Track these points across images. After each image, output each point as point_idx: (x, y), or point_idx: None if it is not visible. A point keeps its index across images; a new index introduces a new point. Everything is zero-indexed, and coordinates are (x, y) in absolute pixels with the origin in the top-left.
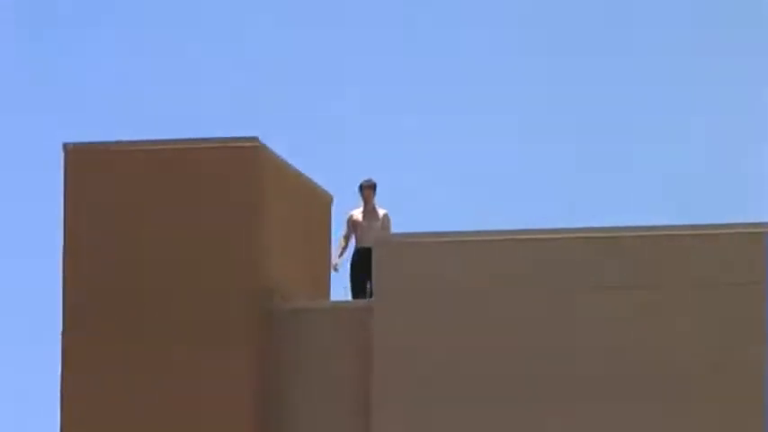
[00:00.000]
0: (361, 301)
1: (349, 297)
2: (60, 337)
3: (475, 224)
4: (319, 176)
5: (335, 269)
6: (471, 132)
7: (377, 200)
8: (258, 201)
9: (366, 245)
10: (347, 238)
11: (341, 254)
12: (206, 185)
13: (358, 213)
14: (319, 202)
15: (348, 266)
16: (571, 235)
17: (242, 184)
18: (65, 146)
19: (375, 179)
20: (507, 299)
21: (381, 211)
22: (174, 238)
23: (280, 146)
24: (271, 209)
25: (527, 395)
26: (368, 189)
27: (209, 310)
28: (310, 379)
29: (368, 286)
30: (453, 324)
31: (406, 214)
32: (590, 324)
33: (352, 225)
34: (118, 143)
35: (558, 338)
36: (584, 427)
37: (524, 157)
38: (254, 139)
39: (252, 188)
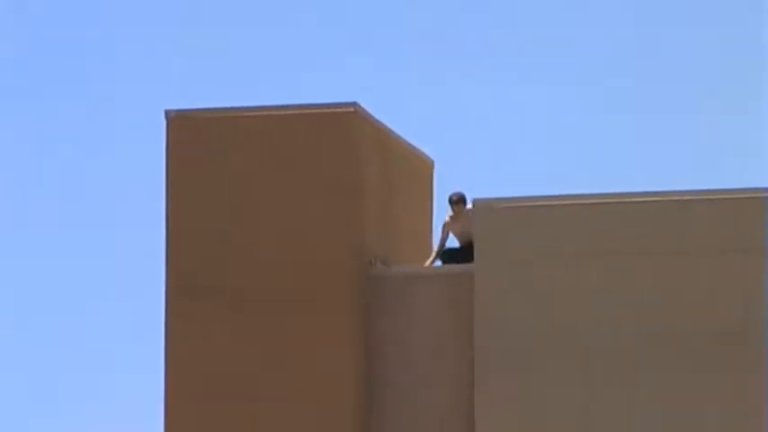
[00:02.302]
0: (462, 266)
1: None
2: (164, 304)
3: (572, 189)
4: (420, 141)
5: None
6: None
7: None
8: (358, 166)
9: (466, 241)
10: (442, 244)
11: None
12: (305, 152)
13: (450, 218)
14: (420, 167)
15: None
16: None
17: (341, 149)
18: (167, 113)
19: (463, 192)
20: (609, 264)
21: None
22: (275, 206)
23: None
24: (371, 175)
25: (625, 363)
26: (457, 204)
27: (311, 278)
28: (412, 345)
29: None
30: (554, 289)
31: (507, 178)
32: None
33: (448, 230)
34: (218, 110)
35: (660, 307)
36: (686, 400)
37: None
38: (354, 104)
39: (351, 154)
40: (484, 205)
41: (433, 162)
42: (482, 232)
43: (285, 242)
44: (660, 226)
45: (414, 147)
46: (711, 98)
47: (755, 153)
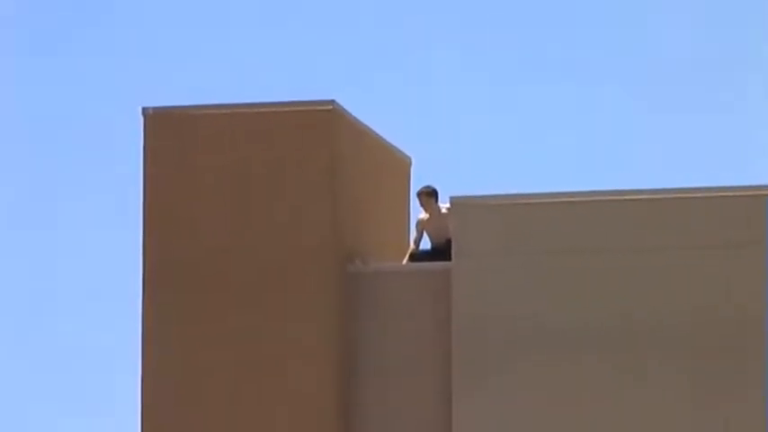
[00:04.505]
0: (440, 264)
1: None
2: (141, 302)
3: (555, 187)
4: (398, 139)
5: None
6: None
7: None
8: (336, 164)
9: (441, 240)
10: (417, 243)
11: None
12: (282, 149)
13: (425, 216)
14: (398, 165)
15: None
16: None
17: (319, 147)
18: (144, 110)
19: (432, 186)
20: (589, 261)
21: (444, 207)
22: (252, 204)
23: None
24: (348, 172)
25: (609, 359)
26: (424, 196)
27: (289, 276)
28: (390, 342)
29: None
30: (533, 286)
31: (485, 176)
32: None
33: (422, 227)
34: (195, 107)
35: (645, 305)
36: (674, 401)
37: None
38: (331, 102)
39: (329, 151)
40: (461, 202)
41: (410, 160)
42: (459, 229)
43: (262, 240)
44: (640, 223)
45: (391, 145)
46: (699, 97)
47: (742, 151)
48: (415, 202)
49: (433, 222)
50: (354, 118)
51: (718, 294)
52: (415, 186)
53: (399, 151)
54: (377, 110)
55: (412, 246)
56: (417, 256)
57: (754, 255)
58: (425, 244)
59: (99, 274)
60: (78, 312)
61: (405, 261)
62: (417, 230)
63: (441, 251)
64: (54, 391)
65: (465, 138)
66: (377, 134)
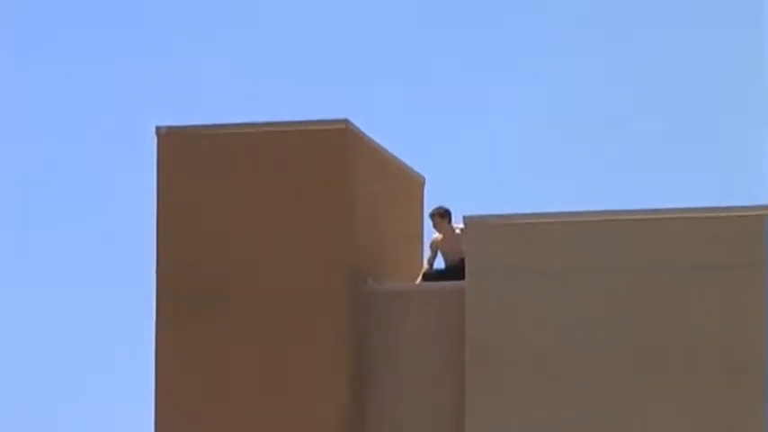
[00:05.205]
0: (453, 283)
1: None
2: (155, 315)
3: (569, 206)
4: (411, 158)
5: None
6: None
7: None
8: (349, 183)
9: (455, 260)
10: (431, 262)
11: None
12: (296, 168)
13: (438, 236)
14: (411, 184)
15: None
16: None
17: (332, 166)
18: (158, 129)
19: (444, 207)
20: (604, 282)
21: (458, 227)
22: (266, 222)
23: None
24: (362, 191)
25: (623, 379)
26: (437, 217)
27: (302, 294)
28: (403, 361)
29: None
30: (547, 306)
31: (499, 195)
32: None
33: (436, 247)
34: (209, 126)
35: (651, 323)
36: (683, 423)
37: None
38: (344, 121)
39: (342, 171)
40: (475, 222)
41: (424, 179)
42: (473, 249)
43: (276, 258)
44: (656, 244)
45: (405, 164)
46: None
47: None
48: (428, 222)
49: (447, 242)
50: (368, 137)
51: (726, 315)
52: (428, 205)
53: (412, 170)
54: (389, 129)
55: (425, 265)
56: (431, 276)
57: (755, 275)
58: (439, 263)
59: (113, 293)
60: (92, 321)
61: (418, 281)
62: (431, 250)
63: (454, 271)
64: (62, 410)
65: (479, 157)
66: (390, 153)
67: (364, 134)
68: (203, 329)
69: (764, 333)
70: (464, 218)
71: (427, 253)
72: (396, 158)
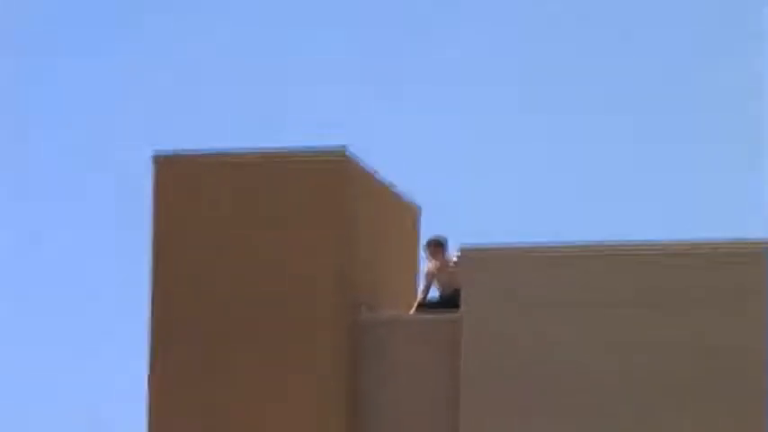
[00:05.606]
0: (448, 314)
1: None
2: (148, 348)
3: (569, 236)
4: (407, 187)
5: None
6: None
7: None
8: (345, 212)
9: (449, 290)
10: (426, 292)
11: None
12: (293, 196)
13: (434, 266)
14: (407, 213)
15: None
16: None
17: (329, 195)
18: (155, 157)
19: (440, 237)
20: (599, 313)
21: (453, 257)
22: (262, 250)
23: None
24: (358, 220)
25: (616, 411)
26: (432, 247)
27: (296, 323)
28: (397, 391)
29: None
30: (541, 337)
31: (486, 229)
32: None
33: (431, 277)
34: (206, 154)
35: (651, 356)
36: None
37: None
38: (342, 149)
39: (339, 199)
40: (470, 253)
41: (419, 208)
42: (468, 279)
43: (271, 287)
44: (651, 276)
45: (400, 193)
46: (701, 155)
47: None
48: (423, 251)
49: (442, 272)
50: (365, 165)
51: (720, 348)
52: (424, 234)
53: (408, 199)
54: (385, 157)
55: (420, 295)
56: (425, 306)
57: (755, 307)
58: (433, 294)
59: (106, 322)
60: (83, 352)
61: (413, 311)
62: (426, 280)
63: (449, 301)
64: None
65: (474, 186)
66: (386, 182)
67: (361, 162)
68: (198, 364)
69: (765, 364)
70: (459, 248)
71: (422, 283)
72: (392, 187)
